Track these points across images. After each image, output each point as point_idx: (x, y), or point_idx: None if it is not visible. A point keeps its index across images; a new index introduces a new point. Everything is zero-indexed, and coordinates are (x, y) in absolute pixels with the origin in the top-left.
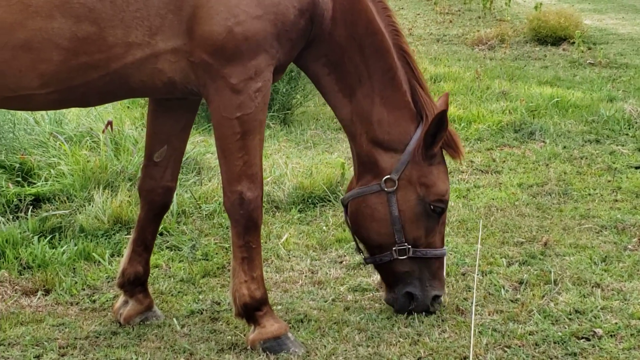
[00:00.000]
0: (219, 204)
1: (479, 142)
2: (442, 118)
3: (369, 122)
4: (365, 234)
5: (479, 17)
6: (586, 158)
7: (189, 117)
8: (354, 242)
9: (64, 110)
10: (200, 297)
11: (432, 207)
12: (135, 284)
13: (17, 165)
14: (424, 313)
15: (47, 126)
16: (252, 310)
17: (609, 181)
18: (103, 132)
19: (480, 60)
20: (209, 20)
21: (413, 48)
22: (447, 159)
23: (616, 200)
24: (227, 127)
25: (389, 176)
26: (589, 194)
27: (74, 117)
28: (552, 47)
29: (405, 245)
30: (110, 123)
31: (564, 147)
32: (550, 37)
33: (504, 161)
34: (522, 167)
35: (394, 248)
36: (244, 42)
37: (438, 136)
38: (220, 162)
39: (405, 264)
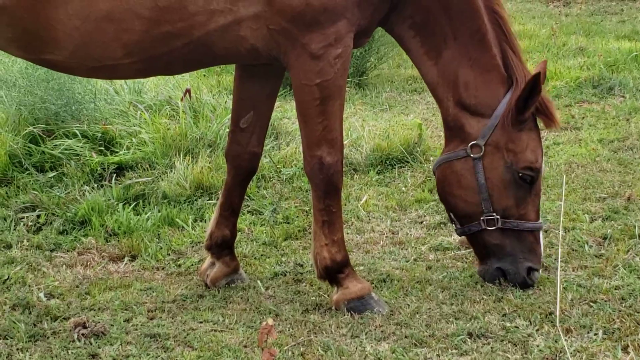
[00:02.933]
0: (298, 167)
1: (557, 99)
2: (535, 82)
3: (456, 84)
4: (453, 201)
5: None
6: None
7: (275, 83)
8: (433, 202)
9: (142, 80)
10: (283, 259)
11: (520, 175)
12: (222, 246)
13: (100, 134)
14: (518, 286)
15: (127, 96)
16: (334, 273)
17: None
18: (182, 100)
19: (556, 16)
20: None
21: None
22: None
23: None
24: (307, 93)
25: (475, 142)
26: None
27: (153, 86)
28: (629, 1)
29: (493, 216)
30: (188, 91)
31: None
32: None
33: (584, 117)
34: (602, 123)
35: (482, 218)
36: (323, 12)
37: (530, 101)
38: (300, 126)
39: (495, 235)
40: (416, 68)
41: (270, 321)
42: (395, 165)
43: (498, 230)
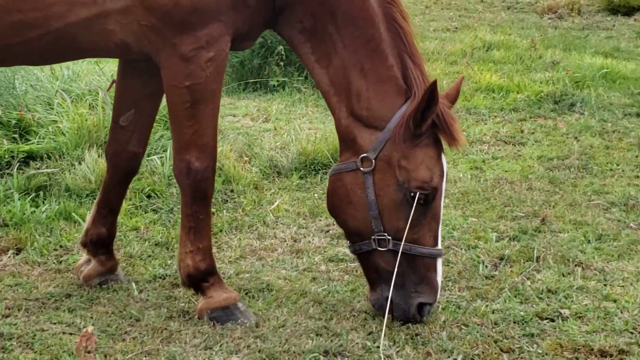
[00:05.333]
0: None
1: (513, 112)
2: (431, 94)
3: (348, 94)
4: (342, 216)
5: None
6: (619, 132)
7: (159, 81)
8: None
9: (77, 68)
10: (169, 262)
11: (412, 194)
12: (97, 245)
13: (15, 121)
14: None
15: (57, 84)
16: (198, 281)
17: (637, 156)
18: (107, 90)
19: (544, 29)
20: None
21: (479, 15)
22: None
23: (637, 177)
24: (177, 95)
25: (365, 154)
26: (611, 169)
27: (86, 74)
28: (623, 18)
29: (385, 236)
30: (114, 82)
31: (601, 119)
32: (623, 6)
33: (533, 133)
34: (549, 140)
35: (373, 237)
36: (193, 12)
37: (426, 113)
38: (171, 129)
39: (387, 259)
40: (310, 74)
41: (90, 329)
42: (319, 170)
43: (390, 253)
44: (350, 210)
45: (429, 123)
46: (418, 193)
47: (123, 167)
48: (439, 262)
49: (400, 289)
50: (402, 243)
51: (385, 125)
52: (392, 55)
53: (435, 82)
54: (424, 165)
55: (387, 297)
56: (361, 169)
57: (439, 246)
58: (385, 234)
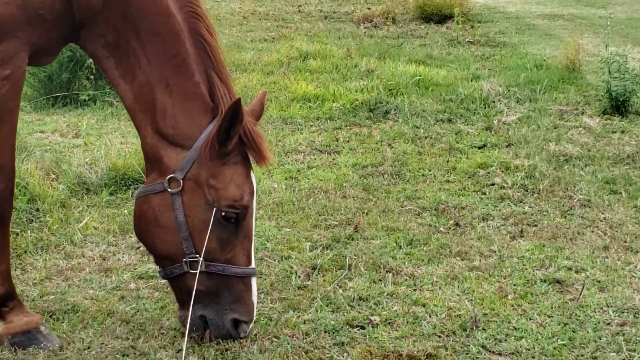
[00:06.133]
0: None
1: (328, 121)
2: (235, 111)
3: (153, 111)
4: (150, 240)
5: None
6: (431, 137)
7: None
8: None
9: None
10: None
11: (223, 213)
12: None
13: None
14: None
15: None
16: None
17: (447, 161)
18: None
19: (360, 37)
20: None
21: (296, 25)
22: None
23: (448, 181)
24: None
25: (172, 175)
26: (423, 175)
27: None
28: (436, 26)
29: (197, 257)
30: None
31: (414, 126)
32: (436, 15)
33: (348, 141)
34: (364, 147)
35: (184, 260)
36: None
37: (232, 132)
38: None
39: (200, 280)
40: (115, 91)
41: None
42: (130, 185)
43: (203, 274)
44: (159, 234)
45: (235, 141)
46: (228, 212)
47: None
48: (254, 280)
49: (215, 307)
50: (201, 259)
51: (192, 144)
52: (199, 72)
53: (239, 100)
54: (233, 184)
55: (201, 316)
56: (169, 190)
57: (253, 264)
58: (197, 255)
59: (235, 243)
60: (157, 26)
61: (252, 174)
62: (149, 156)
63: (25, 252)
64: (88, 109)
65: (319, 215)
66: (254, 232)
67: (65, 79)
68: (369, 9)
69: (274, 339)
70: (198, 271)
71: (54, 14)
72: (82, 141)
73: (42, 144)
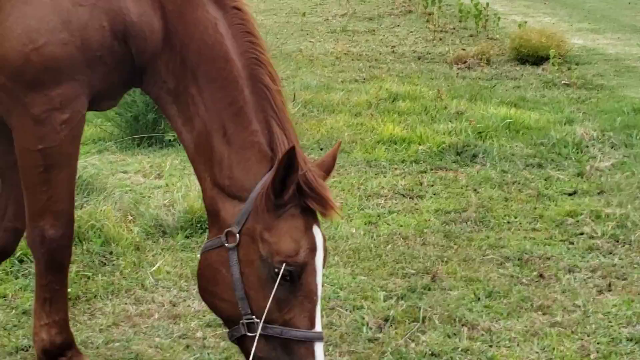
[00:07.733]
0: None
1: (414, 164)
2: (289, 160)
3: (211, 162)
4: (210, 299)
5: (471, 36)
6: (519, 183)
7: None
8: None
9: None
10: None
11: (276, 270)
12: None
13: None
14: None
15: None
16: (54, 356)
17: (535, 208)
18: None
19: (452, 79)
20: (3, 42)
21: (388, 66)
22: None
23: (534, 230)
24: (29, 158)
25: (229, 229)
26: (508, 222)
27: None
28: (531, 67)
29: (253, 319)
30: None
31: (502, 170)
32: (532, 56)
33: (432, 185)
34: (448, 192)
35: (241, 321)
36: (45, 71)
37: (287, 181)
38: (24, 195)
39: (259, 346)
40: (178, 139)
41: None
42: (207, 229)
43: (261, 338)
44: (217, 292)
45: (292, 192)
46: (282, 268)
47: None
48: (318, 345)
49: None
50: (261, 323)
51: (249, 195)
52: (257, 120)
53: (293, 147)
54: (287, 237)
55: None
56: (226, 244)
57: (318, 328)
58: (253, 316)
59: (294, 303)
60: (214, 72)
61: (316, 229)
62: (209, 210)
63: (95, 296)
64: (172, 149)
65: (396, 263)
66: (320, 292)
67: (151, 119)
68: (463, 49)
69: None
70: (257, 334)
71: (113, 57)
72: (164, 182)
73: (123, 184)
